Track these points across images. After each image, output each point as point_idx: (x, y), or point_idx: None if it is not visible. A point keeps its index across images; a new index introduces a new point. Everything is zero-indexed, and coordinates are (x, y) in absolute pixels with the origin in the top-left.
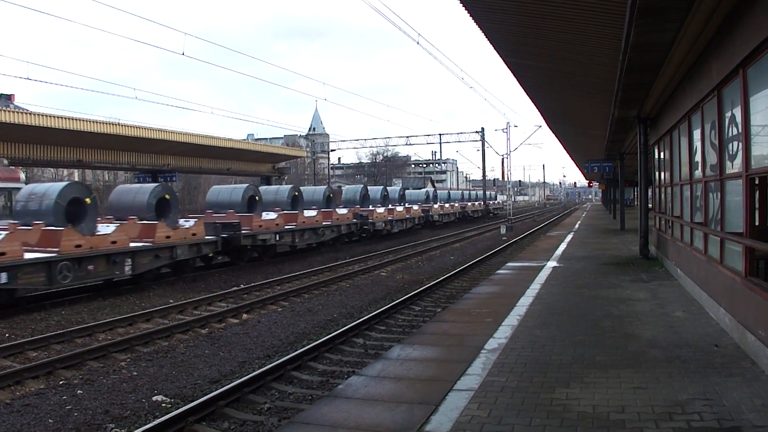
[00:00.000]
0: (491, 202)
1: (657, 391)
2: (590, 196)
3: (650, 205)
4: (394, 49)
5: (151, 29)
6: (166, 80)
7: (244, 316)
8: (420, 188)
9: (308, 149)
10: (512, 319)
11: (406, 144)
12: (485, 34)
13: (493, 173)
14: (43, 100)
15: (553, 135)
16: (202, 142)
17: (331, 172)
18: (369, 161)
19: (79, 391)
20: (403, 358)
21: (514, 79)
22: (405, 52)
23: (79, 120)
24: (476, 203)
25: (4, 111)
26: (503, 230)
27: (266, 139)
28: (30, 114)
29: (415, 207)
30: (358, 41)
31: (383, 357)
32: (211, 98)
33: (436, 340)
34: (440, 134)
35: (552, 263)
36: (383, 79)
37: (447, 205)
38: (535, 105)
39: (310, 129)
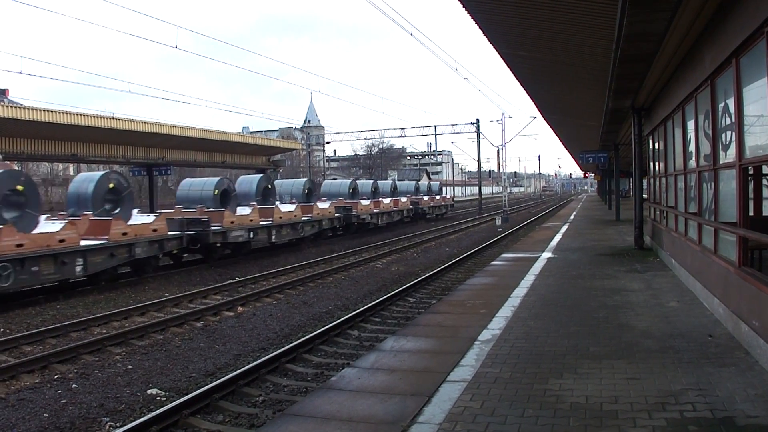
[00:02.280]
0: (425, 198)
1: (650, 381)
2: (586, 187)
3: (645, 196)
4: (387, 40)
5: (143, 22)
6: (160, 73)
7: (240, 308)
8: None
9: (303, 142)
10: (506, 311)
11: (401, 136)
12: (479, 25)
13: (489, 164)
14: (38, 95)
15: (549, 126)
16: (196, 135)
17: (326, 164)
18: (364, 153)
19: (74, 385)
20: (396, 349)
21: (509, 71)
22: (398, 44)
23: (73, 114)
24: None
25: None
26: (499, 221)
27: (261, 131)
28: (24, 108)
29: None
30: (348, 34)
31: (377, 349)
32: (204, 91)
33: (430, 332)
34: (435, 126)
35: (547, 254)
36: (377, 71)
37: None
38: (529, 96)
39: (305, 121)
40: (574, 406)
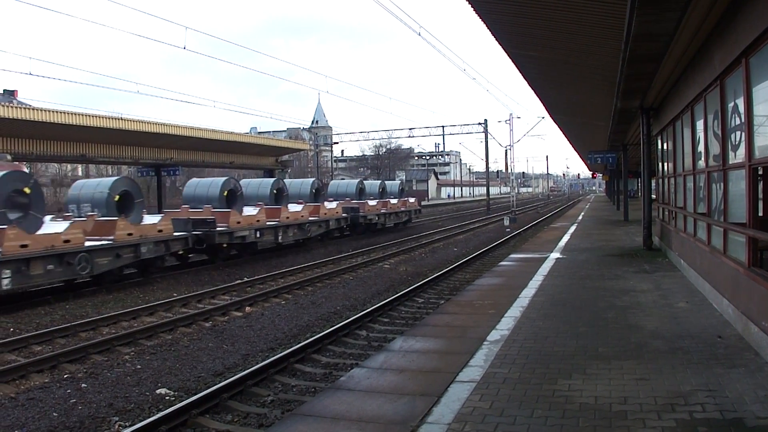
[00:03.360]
0: (372, 203)
1: (659, 382)
2: (594, 188)
3: (653, 196)
4: (394, 41)
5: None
6: (168, 75)
7: (248, 309)
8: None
9: (311, 142)
10: (515, 311)
11: (409, 136)
12: (487, 25)
13: (497, 165)
14: (46, 96)
15: (557, 126)
16: (205, 135)
17: (334, 164)
18: (372, 154)
19: (83, 385)
20: (405, 350)
21: (517, 71)
22: (406, 44)
23: (82, 115)
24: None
25: (7, 107)
26: (507, 222)
27: (269, 132)
28: (33, 109)
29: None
30: (355, 35)
31: (386, 349)
32: (212, 92)
33: (438, 332)
34: (443, 126)
35: (555, 255)
36: (385, 71)
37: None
38: (537, 96)
39: (313, 122)
40: (583, 407)
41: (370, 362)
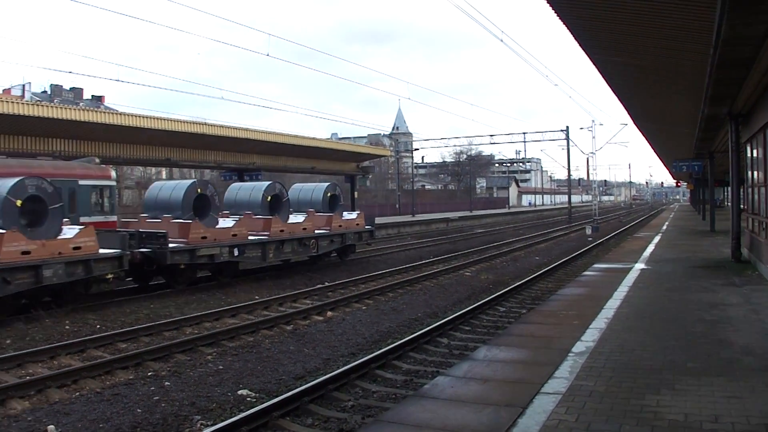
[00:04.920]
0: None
1: (752, 401)
2: (678, 197)
3: (742, 206)
4: (476, 48)
5: (234, 31)
6: (249, 81)
7: (329, 313)
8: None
9: (392, 148)
10: (600, 322)
11: (490, 143)
12: (570, 31)
13: (578, 172)
14: (132, 101)
15: (640, 133)
16: (286, 140)
17: (415, 171)
18: (453, 160)
19: (166, 383)
20: (489, 359)
21: (600, 76)
22: (489, 51)
23: (167, 120)
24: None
25: (95, 112)
26: (589, 231)
27: (350, 138)
28: (119, 114)
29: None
30: (433, 41)
31: (469, 358)
32: (291, 97)
33: (522, 342)
34: (524, 133)
35: (640, 265)
36: (466, 77)
37: None
38: (621, 102)
39: (393, 128)
40: (672, 424)
41: (454, 371)
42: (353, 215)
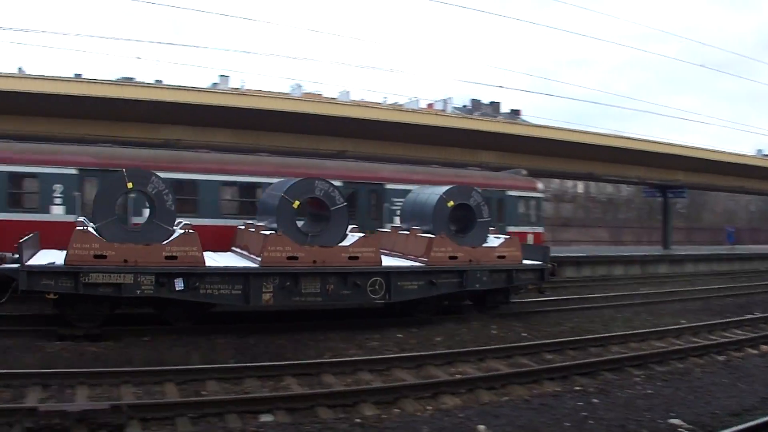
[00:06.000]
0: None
1: None
2: None
3: None
4: None
5: (647, 40)
6: (662, 94)
7: (764, 347)
8: None
9: None
10: None
11: None
12: None
13: None
14: (544, 113)
15: None
16: (709, 156)
17: None
18: None
19: (594, 400)
20: None
21: None
22: None
23: (589, 133)
24: None
25: (516, 125)
26: None
27: None
28: (540, 127)
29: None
30: None
31: None
32: (707, 110)
33: None
34: None
35: None
36: None
37: None
38: None
39: None
40: None
41: None
42: (497, 241)
